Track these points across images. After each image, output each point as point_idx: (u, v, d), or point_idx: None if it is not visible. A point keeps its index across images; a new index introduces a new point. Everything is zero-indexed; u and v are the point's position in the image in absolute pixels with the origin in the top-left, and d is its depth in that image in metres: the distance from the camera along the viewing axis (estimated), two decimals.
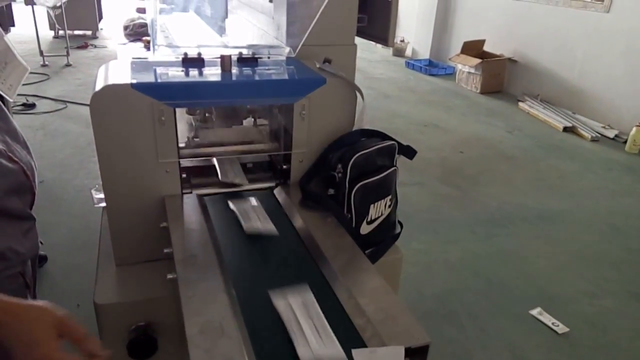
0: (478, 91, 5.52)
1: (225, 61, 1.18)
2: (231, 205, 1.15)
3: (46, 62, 5.67)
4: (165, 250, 1.03)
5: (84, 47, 6.70)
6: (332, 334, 0.78)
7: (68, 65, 5.72)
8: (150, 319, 1.11)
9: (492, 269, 2.47)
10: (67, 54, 5.81)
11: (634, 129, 4.01)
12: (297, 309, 0.83)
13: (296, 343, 0.76)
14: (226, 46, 1.39)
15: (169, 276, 0.98)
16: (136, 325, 1.10)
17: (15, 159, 0.90)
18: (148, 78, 1.11)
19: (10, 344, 0.66)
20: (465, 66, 5.60)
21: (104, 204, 1.17)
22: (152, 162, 1.12)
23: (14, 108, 4.22)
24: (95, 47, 6.81)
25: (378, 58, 7.07)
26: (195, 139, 1.34)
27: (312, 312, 0.82)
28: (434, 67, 6.41)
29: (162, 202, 1.16)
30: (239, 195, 1.23)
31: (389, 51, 7.34)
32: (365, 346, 0.77)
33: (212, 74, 1.17)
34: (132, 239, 1.19)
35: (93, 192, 1.49)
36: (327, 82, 1.19)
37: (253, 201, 1.18)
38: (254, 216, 1.11)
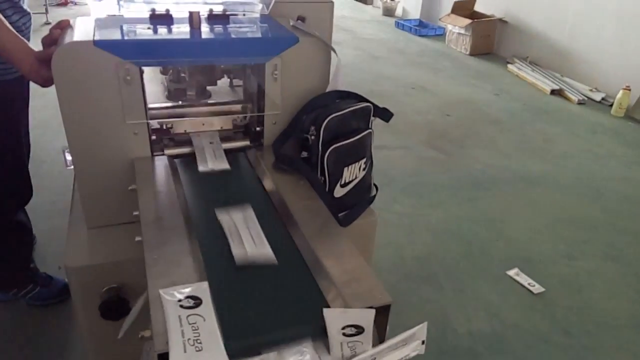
0: (467, 53, 5.44)
1: (193, 18, 1.13)
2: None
3: None
4: (135, 213, 1.02)
5: (64, 4, 6.48)
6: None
7: (47, 23, 5.52)
8: (122, 281, 1.11)
9: (472, 231, 2.50)
10: (46, 12, 5.62)
11: (621, 92, 3.99)
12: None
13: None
14: (198, 3, 1.33)
15: (137, 239, 0.97)
16: (108, 287, 1.11)
17: None
18: (112, 35, 1.07)
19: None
20: (455, 27, 5.50)
21: None
22: (119, 123, 1.09)
23: None
24: (76, 4, 6.59)
25: (367, 18, 6.92)
26: (167, 99, 1.31)
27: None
28: (424, 27, 6.29)
29: (132, 164, 1.14)
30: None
31: (378, 11, 7.19)
32: (328, 306, 0.78)
33: (180, 31, 1.13)
34: (102, 202, 1.17)
35: (65, 153, 1.46)
36: (300, 41, 1.15)
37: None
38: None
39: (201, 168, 1.15)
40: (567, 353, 1.83)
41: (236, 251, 0.89)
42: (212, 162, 1.15)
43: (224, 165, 1.16)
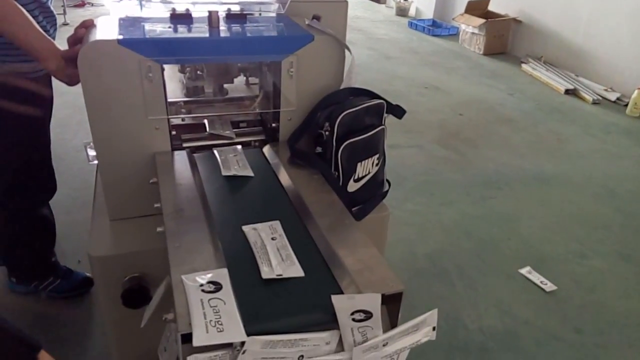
0: (481, 52, 5.44)
1: (212, 17, 1.17)
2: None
3: None
4: (156, 205, 1.06)
5: (81, 5, 6.59)
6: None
7: (65, 24, 5.63)
8: (143, 271, 1.15)
9: (485, 229, 2.51)
10: (64, 13, 5.72)
11: (636, 91, 3.96)
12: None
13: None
14: (216, 2, 1.37)
15: (159, 229, 1.01)
16: (130, 276, 1.15)
17: None
18: (135, 34, 1.11)
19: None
20: (469, 26, 5.49)
21: (97, 161, 1.19)
22: (141, 118, 1.14)
23: None
24: (93, 5, 6.70)
25: (381, 18, 6.94)
26: (186, 97, 1.35)
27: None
28: (437, 27, 6.29)
29: (153, 158, 1.18)
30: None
31: (392, 11, 7.20)
32: (342, 293, 0.81)
33: (200, 30, 1.17)
34: (124, 195, 1.22)
35: (87, 149, 1.51)
36: (315, 40, 1.19)
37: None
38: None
39: (225, 173, 1.17)
40: (578, 350, 1.84)
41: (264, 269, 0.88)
42: (236, 170, 1.17)
43: (248, 172, 1.18)
